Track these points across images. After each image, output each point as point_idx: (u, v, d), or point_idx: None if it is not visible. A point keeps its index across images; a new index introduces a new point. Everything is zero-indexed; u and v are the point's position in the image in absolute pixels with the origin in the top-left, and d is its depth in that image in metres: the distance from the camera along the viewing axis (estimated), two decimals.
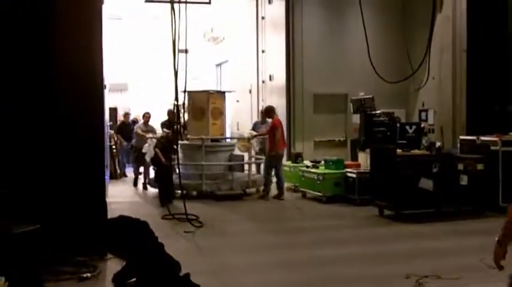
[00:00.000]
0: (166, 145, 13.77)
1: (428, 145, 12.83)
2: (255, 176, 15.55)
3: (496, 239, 3.89)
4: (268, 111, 15.02)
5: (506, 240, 3.87)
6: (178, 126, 12.92)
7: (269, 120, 15.05)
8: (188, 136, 15.15)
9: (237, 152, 16.22)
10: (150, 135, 16.31)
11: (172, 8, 10.69)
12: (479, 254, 7.41)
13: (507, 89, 14.21)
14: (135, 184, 17.27)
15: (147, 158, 15.45)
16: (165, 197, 13.34)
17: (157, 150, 13.79)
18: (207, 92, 16.00)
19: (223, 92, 16.69)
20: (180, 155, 15.05)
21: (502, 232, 3.87)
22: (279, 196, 14.37)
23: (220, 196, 14.35)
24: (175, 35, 10.56)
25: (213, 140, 15.44)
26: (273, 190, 14.63)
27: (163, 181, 13.87)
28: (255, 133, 15.82)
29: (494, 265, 3.88)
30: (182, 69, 10.89)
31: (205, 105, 15.49)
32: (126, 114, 20.45)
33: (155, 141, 14.58)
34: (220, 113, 15.78)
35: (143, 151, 16.00)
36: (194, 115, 15.72)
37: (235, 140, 16.95)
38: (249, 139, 15.70)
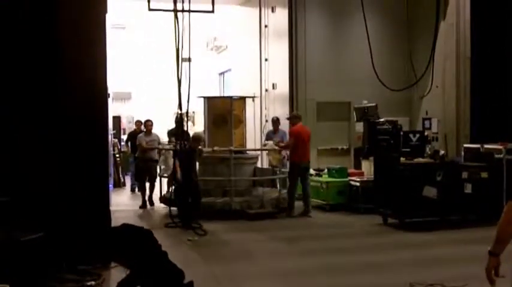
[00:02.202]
0: (191, 155, 12.41)
1: (432, 153, 12.82)
2: (284, 192, 13.85)
3: (488, 250, 3.78)
4: (291, 118, 13.79)
5: (501, 247, 3.73)
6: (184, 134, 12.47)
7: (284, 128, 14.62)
8: (215, 148, 13.61)
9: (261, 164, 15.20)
10: (167, 146, 14.83)
11: (176, 17, 10.71)
12: (484, 263, 7.35)
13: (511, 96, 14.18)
14: (145, 205, 14.89)
15: (165, 172, 14.41)
16: (191, 217, 11.81)
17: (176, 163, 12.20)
18: (229, 98, 14.79)
19: (244, 98, 15.32)
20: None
21: (495, 237, 3.72)
22: (305, 213, 13.17)
23: (252, 215, 12.75)
24: (178, 44, 10.57)
25: (236, 152, 13.67)
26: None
27: (189, 197, 12.13)
28: (279, 144, 14.22)
29: (501, 274, 3.78)
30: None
31: (227, 112, 14.12)
32: (138, 122, 18.08)
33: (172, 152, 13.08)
34: (239, 121, 14.48)
35: (160, 164, 14.92)
36: (215, 123, 14.25)
37: (258, 152, 15.59)
38: (280, 151, 14.32)
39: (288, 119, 14.14)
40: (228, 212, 12.84)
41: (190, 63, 11.95)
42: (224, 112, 14.18)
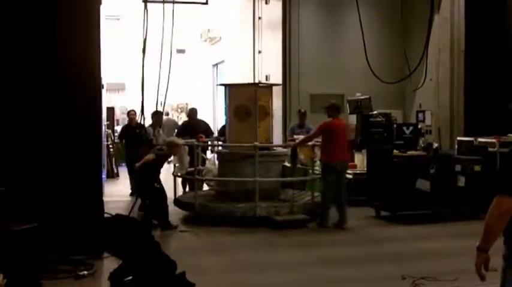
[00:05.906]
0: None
1: (425, 146, 12.83)
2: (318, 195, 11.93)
3: (477, 244, 3.71)
4: (329, 109, 11.55)
5: (489, 243, 3.67)
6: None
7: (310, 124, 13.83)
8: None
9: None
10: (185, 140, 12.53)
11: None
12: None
13: (505, 90, 14.19)
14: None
15: (179, 171, 12.30)
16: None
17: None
18: (254, 85, 12.67)
19: (270, 86, 13.40)
20: (213, 166, 13.09)
21: (483, 232, 3.66)
22: (340, 223, 11.07)
23: (280, 223, 10.83)
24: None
25: (261, 148, 11.62)
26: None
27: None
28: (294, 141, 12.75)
29: (492, 267, 3.75)
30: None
31: (251, 103, 12.11)
32: (132, 112, 16.04)
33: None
34: (266, 113, 12.48)
35: (174, 163, 12.45)
36: (237, 115, 12.32)
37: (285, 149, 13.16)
38: (313, 147, 12.16)
39: (325, 107, 11.81)
40: (252, 219, 11.02)
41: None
42: (247, 103, 12.23)
